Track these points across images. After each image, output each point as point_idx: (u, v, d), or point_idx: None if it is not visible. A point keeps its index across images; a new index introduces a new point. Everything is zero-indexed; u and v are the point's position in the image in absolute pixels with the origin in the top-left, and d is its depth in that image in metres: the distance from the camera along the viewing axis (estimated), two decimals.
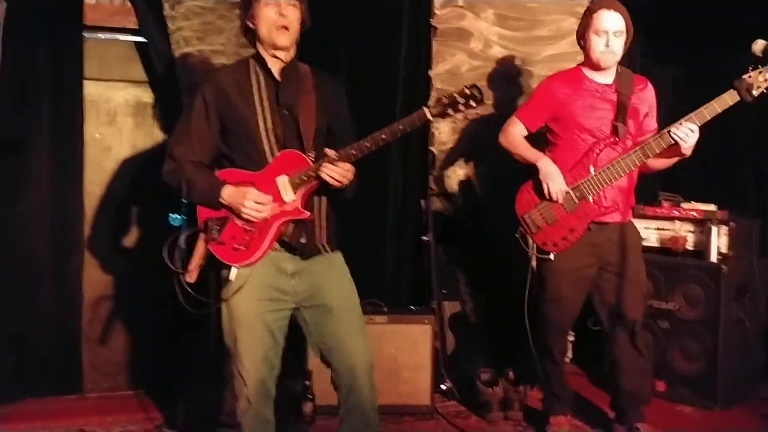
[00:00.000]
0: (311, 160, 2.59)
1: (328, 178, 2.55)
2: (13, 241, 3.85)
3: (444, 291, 4.30)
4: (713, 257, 3.92)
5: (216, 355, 3.18)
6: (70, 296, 4.01)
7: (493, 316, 4.37)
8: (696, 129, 3.11)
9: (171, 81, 4.02)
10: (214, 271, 2.65)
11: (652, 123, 3.40)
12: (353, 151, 2.55)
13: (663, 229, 4.11)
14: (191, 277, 2.60)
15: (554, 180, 3.28)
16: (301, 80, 2.69)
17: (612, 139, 3.28)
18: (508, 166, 4.44)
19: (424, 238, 4.19)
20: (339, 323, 2.69)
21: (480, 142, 4.44)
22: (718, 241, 3.92)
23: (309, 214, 2.62)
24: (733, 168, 4.66)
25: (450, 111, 2.54)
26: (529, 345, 3.42)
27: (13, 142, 3.76)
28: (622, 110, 3.29)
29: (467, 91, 2.53)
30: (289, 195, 2.58)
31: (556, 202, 3.29)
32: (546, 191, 3.29)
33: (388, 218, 4.41)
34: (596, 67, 3.32)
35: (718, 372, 3.86)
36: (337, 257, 2.77)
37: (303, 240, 2.63)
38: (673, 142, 3.12)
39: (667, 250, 4.06)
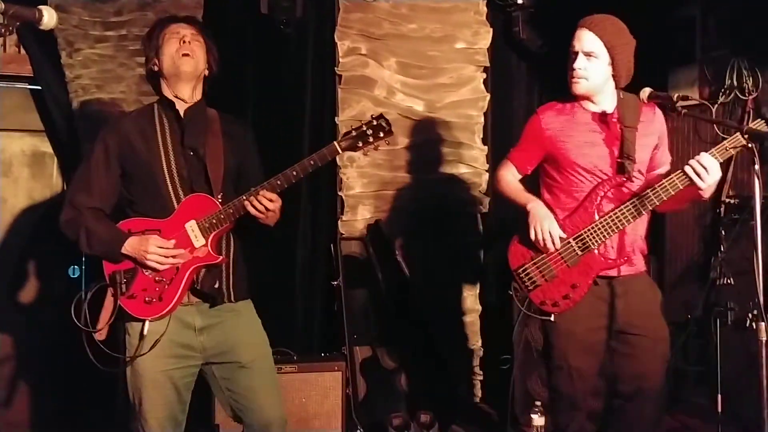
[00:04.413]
0: (220, 203, 2.54)
1: (253, 211, 2.48)
2: None
3: (355, 336, 4.28)
4: None
5: (123, 410, 3.05)
6: None
7: (404, 360, 4.37)
8: (717, 166, 2.62)
9: (70, 130, 3.92)
10: (122, 325, 2.55)
11: (664, 155, 2.94)
12: (264, 190, 2.50)
13: None
14: (101, 334, 2.50)
15: (542, 221, 2.80)
16: (208, 123, 2.66)
17: (618, 179, 2.80)
18: (413, 206, 4.53)
19: (335, 282, 4.18)
20: (251, 379, 2.64)
21: (385, 185, 4.50)
22: None
23: (222, 258, 2.56)
24: None
25: (360, 143, 2.54)
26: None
27: None
28: (626, 144, 2.79)
29: (374, 122, 2.55)
30: (199, 240, 2.52)
31: (554, 253, 2.81)
32: (533, 236, 2.82)
33: (298, 264, 4.40)
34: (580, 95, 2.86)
35: None
36: (248, 307, 2.72)
37: (216, 285, 2.56)
38: (689, 182, 2.66)
39: None
